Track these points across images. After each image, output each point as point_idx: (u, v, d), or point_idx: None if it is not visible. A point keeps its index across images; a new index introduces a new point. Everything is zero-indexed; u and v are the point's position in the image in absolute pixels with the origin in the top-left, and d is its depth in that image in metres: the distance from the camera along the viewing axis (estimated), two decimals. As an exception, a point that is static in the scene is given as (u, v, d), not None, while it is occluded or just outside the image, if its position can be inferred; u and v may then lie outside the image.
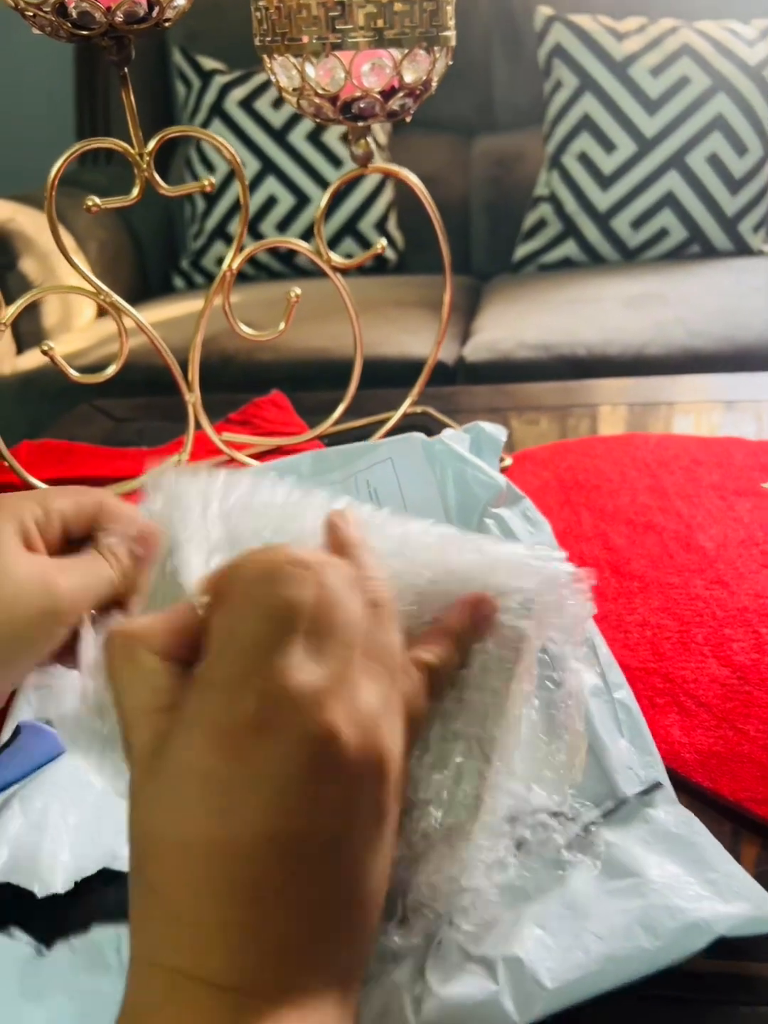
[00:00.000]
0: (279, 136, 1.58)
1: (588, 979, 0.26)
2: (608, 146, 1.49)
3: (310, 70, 0.51)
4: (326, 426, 0.64)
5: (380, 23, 0.48)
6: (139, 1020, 0.20)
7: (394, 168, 0.58)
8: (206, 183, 0.53)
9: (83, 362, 1.24)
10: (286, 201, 1.59)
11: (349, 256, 0.62)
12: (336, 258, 0.59)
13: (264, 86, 1.58)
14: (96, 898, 0.31)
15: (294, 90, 0.52)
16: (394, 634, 0.25)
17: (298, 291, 0.59)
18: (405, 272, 1.63)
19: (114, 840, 0.32)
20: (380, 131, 1.61)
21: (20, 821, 0.33)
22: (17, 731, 0.37)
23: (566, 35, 1.51)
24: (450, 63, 0.53)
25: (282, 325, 0.59)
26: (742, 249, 1.50)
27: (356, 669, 0.23)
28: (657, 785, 0.32)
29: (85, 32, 0.46)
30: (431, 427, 0.65)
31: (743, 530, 0.51)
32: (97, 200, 0.50)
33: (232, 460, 0.62)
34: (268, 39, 0.50)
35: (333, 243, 1.56)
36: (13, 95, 2.04)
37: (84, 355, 1.29)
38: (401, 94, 0.52)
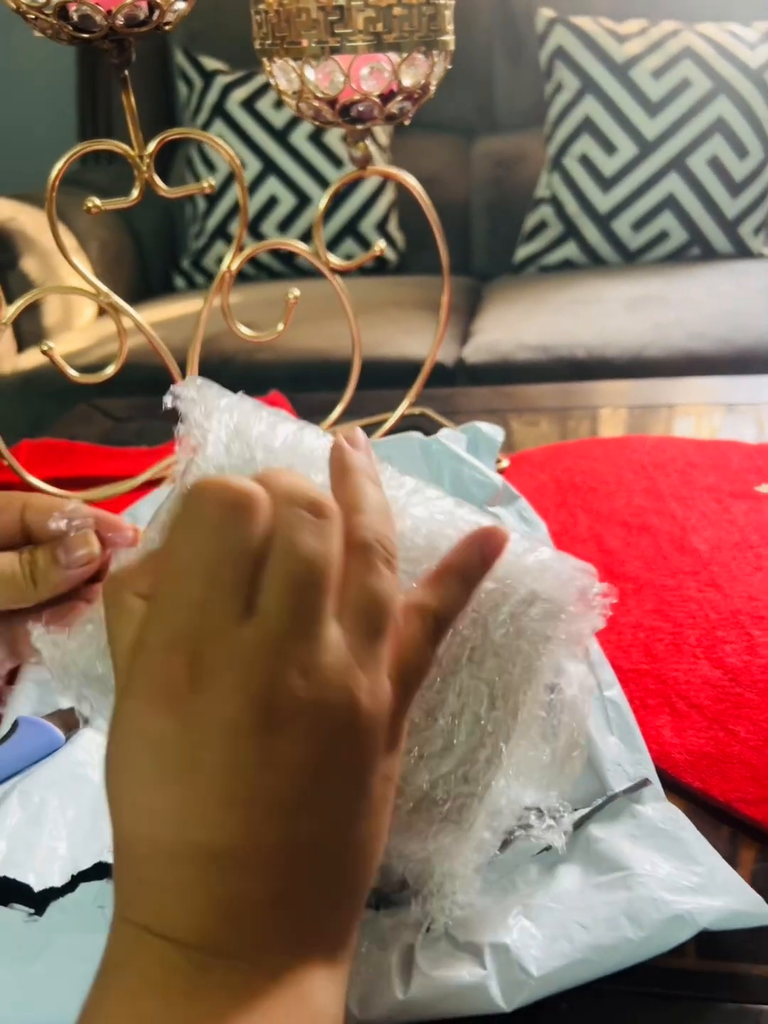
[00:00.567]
0: (281, 136, 1.58)
1: (573, 968, 0.27)
2: (609, 148, 1.50)
3: (309, 73, 0.51)
4: (324, 426, 0.65)
5: (379, 27, 0.48)
6: (111, 973, 0.21)
7: (392, 170, 0.59)
8: (206, 185, 0.53)
9: (83, 362, 1.25)
10: (287, 201, 1.59)
11: (350, 257, 0.63)
12: (334, 260, 0.59)
13: (266, 87, 1.58)
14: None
15: (293, 93, 0.52)
16: (385, 579, 0.23)
17: (297, 292, 0.59)
18: (406, 273, 1.63)
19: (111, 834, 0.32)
20: (382, 132, 1.62)
21: (18, 815, 0.33)
22: (15, 725, 0.37)
23: (568, 37, 1.51)
24: (448, 67, 0.53)
25: (280, 326, 0.59)
26: (742, 252, 1.50)
27: (320, 615, 0.21)
28: (645, 782, 0.33)
29: (86, 35, 0.47)
30: (429, 428, 0.65)
31: (737, 533, 0.52)
32: (97, 201, 0.51)
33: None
34: (268, 42, 0.51)
35: (334, 244, 1.57)
36: (15, 94, 2.04)
37: (84, 354, 1.30)
38: (399, 97, 0.52)
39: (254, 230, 1.58)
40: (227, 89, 1.60)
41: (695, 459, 0.61)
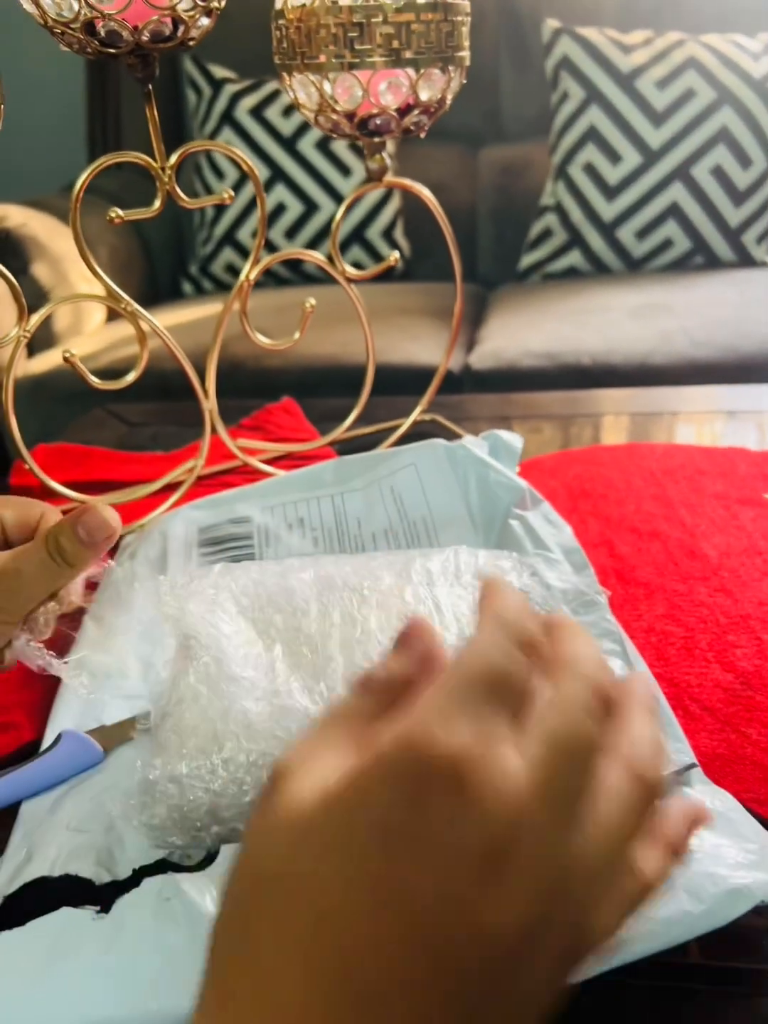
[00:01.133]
0: (289, 144, 1.60)
1: (636, 940, 0.28)
2: (614, 157, 1.51)
3: (328, 88, 0.52)
4: (339, 433, 0.66)
5: (397, 44, 0.50)
6: None
7: (408, 183, 0.60)
8: (225, 195, 0.55)
9: (94, 366, 1.26)
10: (295, 209, 1.60)
11: (356, 264, 0.64)
12: (350, 269, 0.60)
13: (274, 95, 1.60)
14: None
15: (313, 107, 0.53)
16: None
17: (313, 301, 0.60)
18: (411, 280, 1.64)
19: None
20: (389, 141, 1.63)
21: (72, 816, 0.34)
22: (58, 738, 0.38)
23: (573, 47, 1.52)
24: (464, 82, 0.54)
25: (297, 334, 0.60)
26: (745, 260, 1.51)
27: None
28: (692, 765, 0.34)
29: (112, 50, 0.48)
30: (440, 435, 0.66)
31: (746, 539, 0.53)
32: (120, 213, 0.52)
33: (246, 465, 0.63)
34: (287, 58, 0.52)
35: (341, 250, 1.58)
36: (26, 103, 2.06)
37: (95, 359, 1.31)
38: (416, 111, 0.53)
39: (261, 236, 1.60)
40: (236, 97, 1.62)
41: (703, 466, 0.62)
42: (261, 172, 1.60)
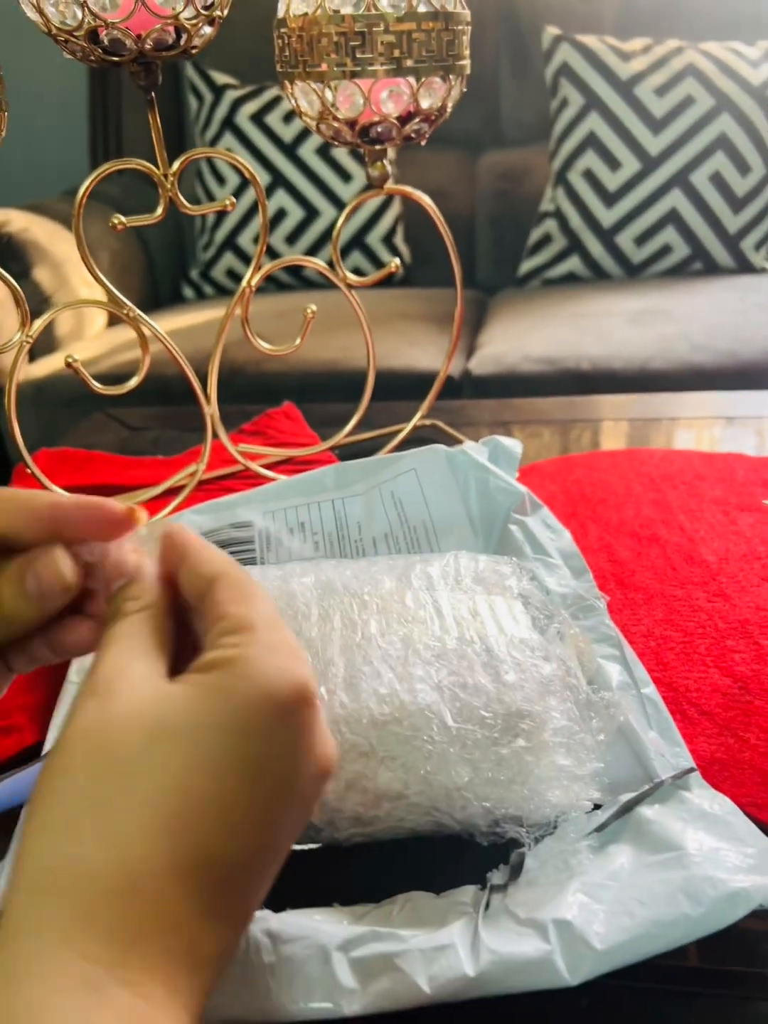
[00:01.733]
0: (289, 150, 1.60)
1: (636, 942, 0.28)
2: (613, 164, 1.52)
3: (329, 96, 0.52)
4: (340, 438, 0.66)
5: (398, 53, 0.50)
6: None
7: (409, 190, 0.60)
8: (228, 202, 0.55)
9: (96, 371, 1.26)
10: (296, 214, 1.61)
11: (357, 270, 0.64)
12: (351, 276, 0.61)
13: (275, 101, 1.61)
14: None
15: (314, 114, 0.54)
16: None
17: (314, 307, 0.61)
18: (411, 285, 1.65)
19: None
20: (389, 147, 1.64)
21: None
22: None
23: (573, 55, 1.53)
24: (465, 90, 0.55)
25: (298, 341, 0.61)
26: (744, 266, 1.52)
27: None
28: (691, 769, 0.34)
29: (115, 58, 0.48)
30: (441, 440, 0.67)
31: (744, 544, 0.53)
32: (123, 219, 0.52)
33: (247, 470, 0.63)
34: (289, 66, 0.52)
35: (341, 256, 1.58)
36: (28, 108, 2.06)
37: (96, 363, 1.31)
38: (417, 119, 0.54)
39: (262, 242, 1.60)
40: (237, 103, 1.63)
41: (702, 472, 0.63)
42: (262, 178, 1.60)
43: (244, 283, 0.58)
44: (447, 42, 0.51)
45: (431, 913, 0.30)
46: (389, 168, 0.57)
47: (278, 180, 1.61)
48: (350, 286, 0.61)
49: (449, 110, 0.55)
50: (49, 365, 1.35)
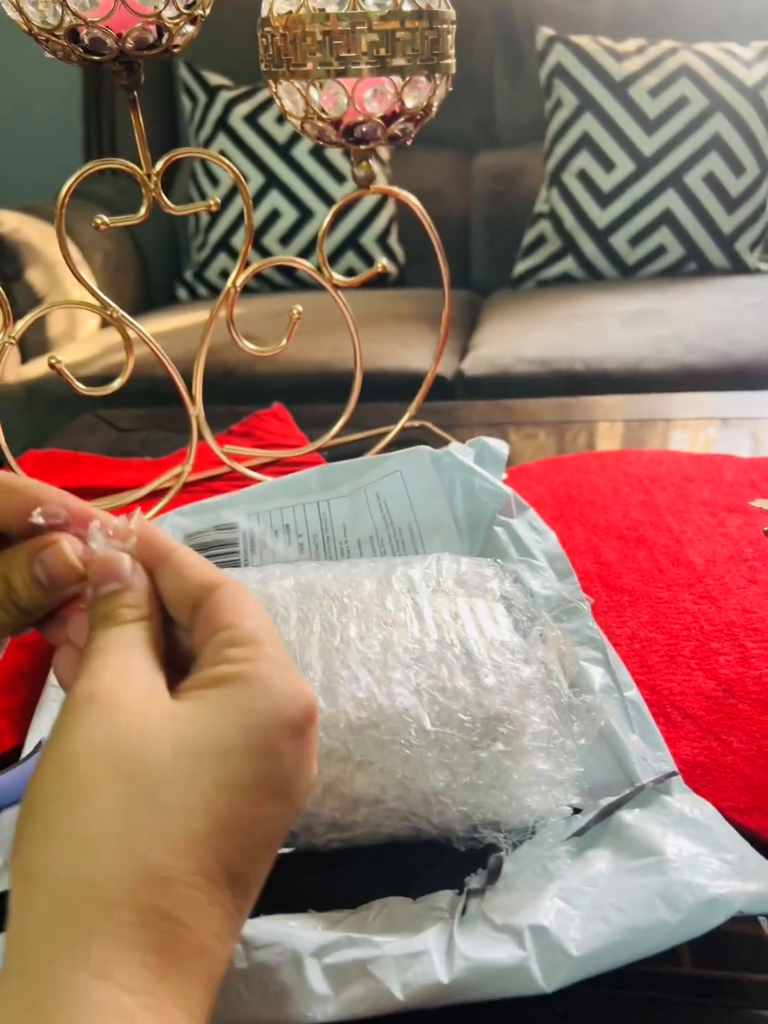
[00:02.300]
0: (283, 151, 1.60)
1: (612, 949, 0.27)
2: (607, 164, 1.52)
3: (314, 95, 0.52)
4: (327, 439, 0.66)
5: (382, 51, 0.50)
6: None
7: (395, 190, 0.60)
8: (211, 203, 0.55)
9: (88, 372, 1.26)
10: (289, 215, 1.61)
11: (351, 270, 0.64)
12: (338, 277, 0.60)
13: (269, 102, 1.60)
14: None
15: (298, 114, 0.53)
16: None
17: (300, 308, 0.60)
18: (405, 286, 1.65)
19: None
20: (382, 148, 1.64)
21: None
22: (38, 745, 0.37)
23: (567, 55, 1.53)
24: (450, 89, 0.55)
25: (284, 341, 0.60)
26: (738, 267, 1.52)
27: None
28: (672, 773, 0.34)
29: (96, 57, 0.48)
30: (429, 441, 0.66)
31: (731, 546, 0.53)
32: (106, 219, 0.52)
33: (233, 471, 0.63)
34: (273, 65, 0.52)
35: (335, 258, 1.58)
36: (22, 108, 2.06)
37: (88, 365, 1.31)
38: (402, 119, 0.53)
39: (256, 244, 1.60)
40: (230, 104, 1.62)
41: (691, 473, 0.62)
42: (256, 179, 1.60)
43: (229, 283, 0.57)
44: (432, 41, 0.51)
45: (407, 919, 0.29)
46: (375, 168, 0.57)
47: (272, 181, 1.60)
48: (336, 286, 0.60)
49: (435, 110, 0.55)
50: (41, 367, 1.35)
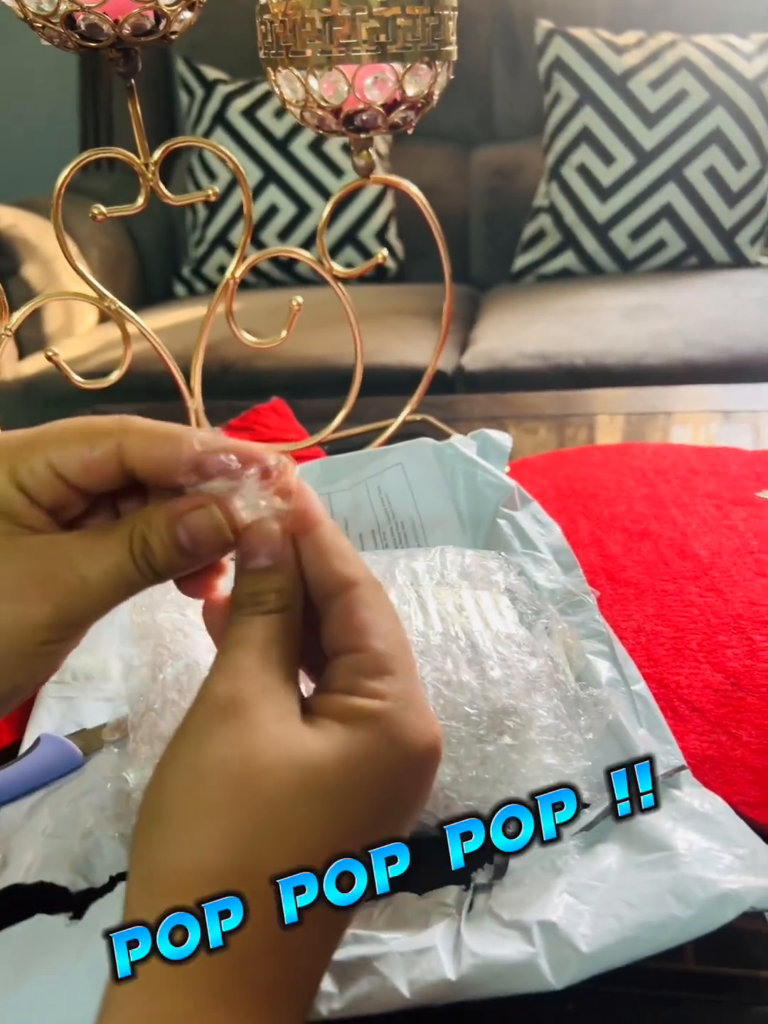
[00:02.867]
0: (281, 145, 1.59)
1: (622, 945, 0.27)
2: (607, 158, 1.51)
3: (313, 83, 0.51)
4: (327, 433, 0.65)
5: (383, 38, 0.49)
6: None
7: (396, 179, 0.59)
8: (210, 192, 0.54)
9: (86, 367, 1.25)
10: (288, 210, 1.60)
11: (349, 265, 0.63)
12: (338, 268, 0.60)
13: (266, 96, 1.60)
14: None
15: (298, 102, 0.53)
16: None
17: (300, 300, 0.60)
18: (405, 281, 1.64)
19: None
20: (381, 141, 1.63)
21: (51, 823, 0.33)
22: (37, 741, 0.37)
23: (566, 48, 1.52)
24: (451, 77, 0.54)
25: (283, 333, 0.60)
26: (739, 261, 1.51)
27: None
28: (681, 767, 0.33)
29: (93, 44, 0.47)
30: (431, 435, 0.66)
31: (737, 538, 0.52)
32: (103, 209, 0.51)
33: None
34: (272, 52, 0.51)
35: (334, 252, 1.57)
36: (18, 101, 2.05)
37: (86, 360, 1.30)
38: (403, 107, 0.53)
39: (254, 238, 1.59)
40: (228, 98, 1.61)
41: (695, 466, 0.62)
42: (254, 173, 1.59)
43: (227, 275, 0.57)
44: (433, 28, 0.50)
45: (413, 914, 0.29)
46: (375, 157, 0.56)
47: (270, 175, 1.60)
48: (336, 278, 0.60)
49: (436, 98, 0.54)
50: (39, 362, 1.34)
